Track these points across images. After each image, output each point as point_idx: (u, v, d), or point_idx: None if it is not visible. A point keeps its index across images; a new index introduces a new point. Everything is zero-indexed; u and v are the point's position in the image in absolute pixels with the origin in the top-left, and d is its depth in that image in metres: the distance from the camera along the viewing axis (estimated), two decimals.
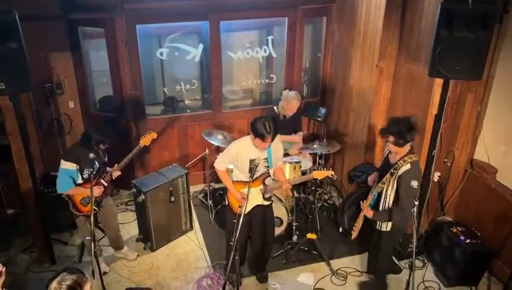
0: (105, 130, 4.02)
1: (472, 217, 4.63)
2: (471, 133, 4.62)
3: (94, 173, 4.02)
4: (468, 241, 4.21)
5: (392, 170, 3.55)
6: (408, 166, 3.51)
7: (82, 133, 4.11)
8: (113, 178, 4.20)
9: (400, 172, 3.53)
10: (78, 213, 4.16)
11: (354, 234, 3.95)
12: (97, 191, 4.08)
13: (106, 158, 4.27)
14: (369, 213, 3.74)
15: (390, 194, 3.65)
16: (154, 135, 4.29)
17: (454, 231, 4.35)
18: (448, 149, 4.72)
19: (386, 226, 3.78)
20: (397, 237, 4.06)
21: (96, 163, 4.09)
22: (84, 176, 4.03)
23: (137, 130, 5.54)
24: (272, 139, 3.63)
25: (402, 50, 4.75)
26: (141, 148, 4.21)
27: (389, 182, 3.60)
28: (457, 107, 4.56)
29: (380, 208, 3.75)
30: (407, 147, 3.56)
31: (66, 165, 3.92)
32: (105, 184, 4.17)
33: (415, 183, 3.36)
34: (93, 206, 4.04)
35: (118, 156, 4.20)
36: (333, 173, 3.91)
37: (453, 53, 3.53)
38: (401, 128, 3.46)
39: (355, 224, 3.91)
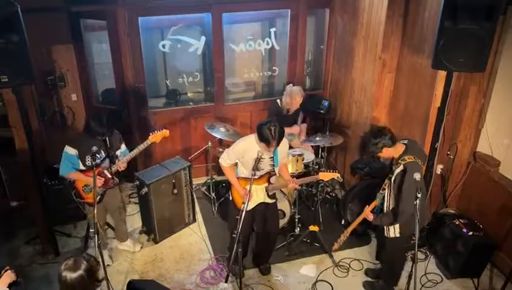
0: (103, 121, 3.93)
1: (475, 209, 4.63)
2: (474, 125, 4.61)
3: (97, 162, 3.90)
4: (470, 233, 4.21)
5: (389, 175, 3.57)
6: (401, 167, 3.47)
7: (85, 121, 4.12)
8: (119, 170, 4.16)
9: (394, 175, 3.53)
10: (81, 200, 4.16)
11: (349, 229, 3.97)
12: (98, 181, 4.01)
13: (120, 150, 4.23)
14: (370, 216, 3.73)
15: (390, 199, 3.64)
16: (166, 133, 4.19)
17: (457, 223, 4.35)
18: (451, 142, 4.71)
19: (394, 232, 3.71)
20: (404, 242, 3.86)
21: (102, 153, 4.06)
22: (87, 163, 4.02)
23: (139, 123, 5.54)
24: (277, 145, 3.61)
25: (405, 42, 4.72)
26: (149, 144, 4.13)
27: (388, 187, 3.61)
28: (460, 100, 4.54)
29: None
30: (394, 150, 3.52)
31: (67, 149, 3.98)
32: (109, 176, 4.13)
33: (417, 176, 3.34)
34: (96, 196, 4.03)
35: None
36: (339, 176, 3.90)
37: (456, 45, 3.51)
38: (365, 141, 3.62)
39: (352, 224, 3.92)
